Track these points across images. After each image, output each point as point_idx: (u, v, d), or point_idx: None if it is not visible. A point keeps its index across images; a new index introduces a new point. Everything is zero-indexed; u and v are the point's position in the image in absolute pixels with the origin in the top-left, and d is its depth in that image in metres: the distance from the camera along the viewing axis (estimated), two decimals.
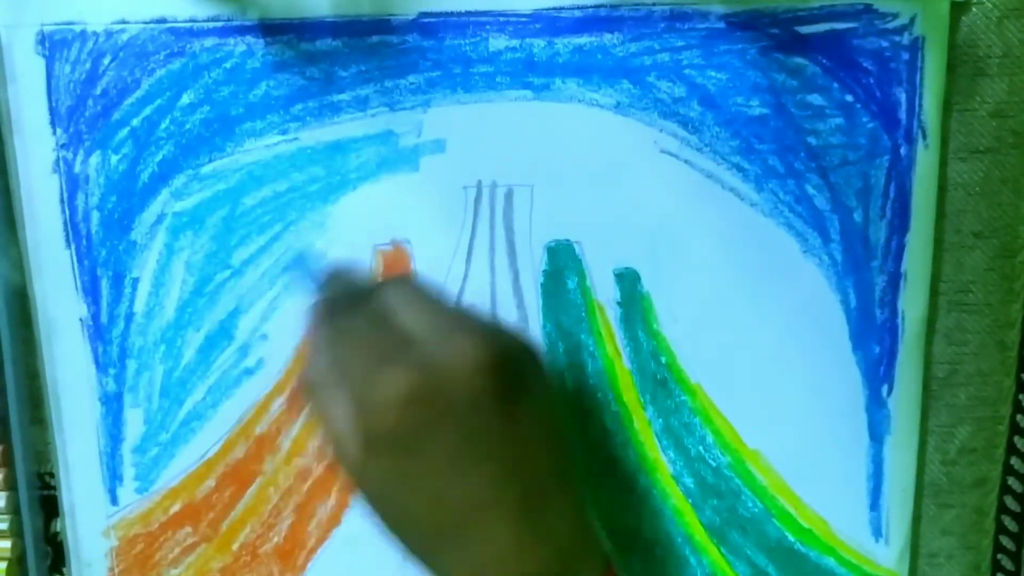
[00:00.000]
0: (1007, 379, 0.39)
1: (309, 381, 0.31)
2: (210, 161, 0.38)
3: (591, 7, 0.36)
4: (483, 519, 0.29)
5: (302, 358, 0.39)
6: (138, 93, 0.38)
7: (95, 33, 0.37)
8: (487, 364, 0.29)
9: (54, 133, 0.38)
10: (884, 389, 0.39)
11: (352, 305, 0.32)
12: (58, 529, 0.41)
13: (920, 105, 0.37)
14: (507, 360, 0.30)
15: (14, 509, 0.41)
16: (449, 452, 0.29)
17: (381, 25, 0.37)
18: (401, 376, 0.29)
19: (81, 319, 0.39)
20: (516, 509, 0.29)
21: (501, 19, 0.37)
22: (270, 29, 0.37)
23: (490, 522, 0.29)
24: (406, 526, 0.31)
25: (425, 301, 0.31)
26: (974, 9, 0.36)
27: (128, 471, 0.40)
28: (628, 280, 0.39)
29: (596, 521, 0.32)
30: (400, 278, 0.34)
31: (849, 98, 0.37)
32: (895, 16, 0.36)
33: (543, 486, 0.30)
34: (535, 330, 0.39)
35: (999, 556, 0.41)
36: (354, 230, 0.38)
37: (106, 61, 0.37)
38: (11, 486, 0.40)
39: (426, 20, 0.37)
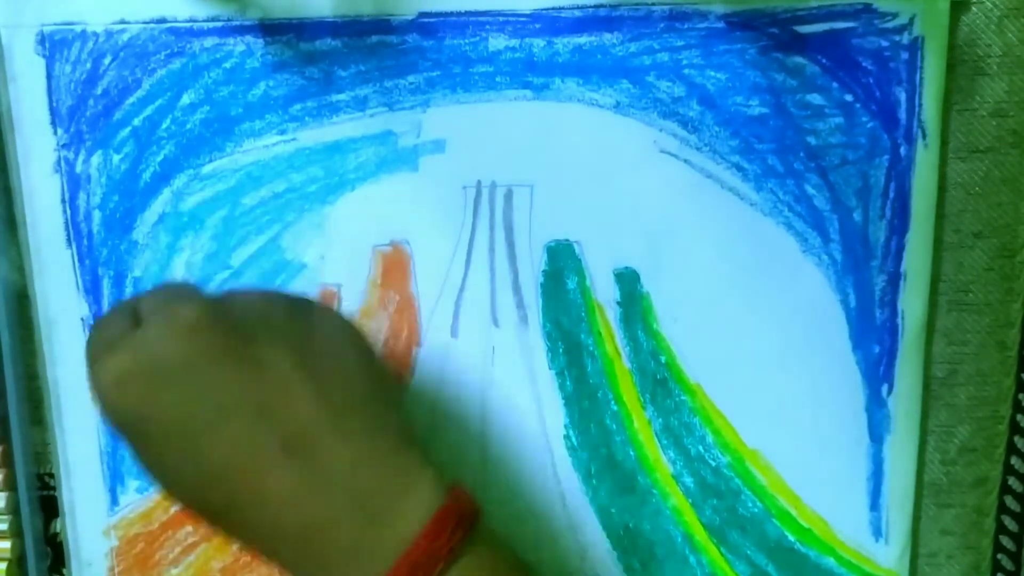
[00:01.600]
0: (1007, 379, 0.39)
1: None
2: (210, 161, 0.38)
3: (591, 7, 0.36)
4: (244, 475, 0.29)
5: None
6: (139, 93, 0.38)
7: (95, 33, 0.37)
8: (194, 323, 0.29)
9: (55, 133, 0.38)
10: (884, 389, 0.39)
11: (117, 322, 0.31)
12: (58, 529, 0.41)
13: (920, 105, 0.36)
14: (220, 315, 0.30)
15: (14, 509, 0.41)
16: (191, 414, 0.29)
17: (381, 25, 0.37)
18: (110, 361, 0.29)
19: (83, 319, 0.39)
20: (277, 457, 0.29)
21: (501, 19, 0.37)
22: (270, 29, 0.37)
23: (251, 477, 0.29)
24: (189, 493, 0.30)
25: (170, 289, 0.32)
26: (974, 9, 0.36)
27: (128, 471, 0.40)
28: (628, 280, 0.38)
29: (428, 457, 0.30)
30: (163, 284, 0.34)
31: (849, 98, 0.37)
32: (894, 16, 0.36)
33: (306, 431, 0.29)
34: (535, 330, 0.39)
35: (999, 556, 0.40)
36: (353, 231, 0.38)
37: (106, 61, 0.38)
38: (11, 486, 0.40)
39: (426, 20, 0.37)
